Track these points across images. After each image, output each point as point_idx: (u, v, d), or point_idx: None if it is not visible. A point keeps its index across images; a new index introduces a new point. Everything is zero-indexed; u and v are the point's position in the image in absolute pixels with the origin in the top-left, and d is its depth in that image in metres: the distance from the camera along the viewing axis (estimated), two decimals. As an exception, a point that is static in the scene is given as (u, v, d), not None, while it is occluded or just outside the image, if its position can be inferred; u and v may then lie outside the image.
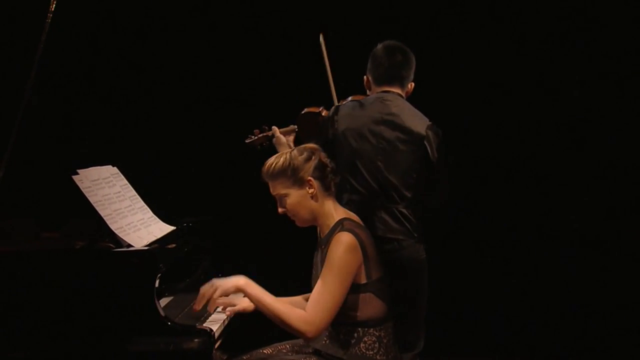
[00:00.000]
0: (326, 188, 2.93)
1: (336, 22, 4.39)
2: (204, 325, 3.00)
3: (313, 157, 2.91)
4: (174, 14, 4.65)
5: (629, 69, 4.39)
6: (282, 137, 3.66)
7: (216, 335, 2.95)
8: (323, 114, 3.61)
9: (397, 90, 3.45)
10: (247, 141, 3.75)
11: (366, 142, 3.35)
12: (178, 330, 2.85)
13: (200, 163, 4.71)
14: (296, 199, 2.89)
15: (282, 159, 2.89)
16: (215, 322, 3.08)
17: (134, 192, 3.37)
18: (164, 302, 3.08)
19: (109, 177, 3.27)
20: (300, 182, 2.88)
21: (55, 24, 3.23)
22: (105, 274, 2.87)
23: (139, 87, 4.69)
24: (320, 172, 2.91)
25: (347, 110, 3.43)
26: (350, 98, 3.60)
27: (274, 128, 3.70)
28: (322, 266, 2.85)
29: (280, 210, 2.93)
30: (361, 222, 2.96)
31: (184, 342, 2.82)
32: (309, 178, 2.88)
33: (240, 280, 2.83)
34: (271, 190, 2.92)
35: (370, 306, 2.86)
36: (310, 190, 2.89)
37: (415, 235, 3.36)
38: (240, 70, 4.70)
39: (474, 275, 4.59)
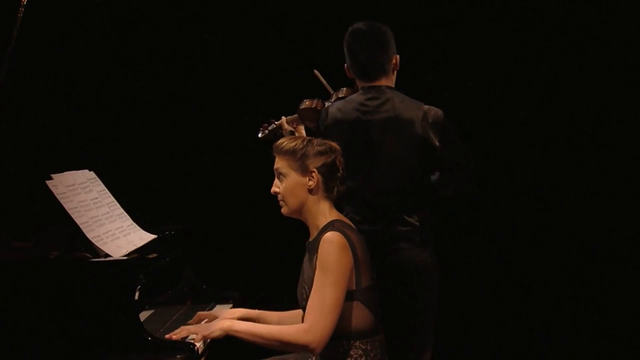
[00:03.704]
0: (327, 189, 2.89)
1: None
2: (187, 340, 2.88)
3: (328, 154, 2.88)
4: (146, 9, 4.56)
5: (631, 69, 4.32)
6: (289, 127, 3.63)
7: (200, 351, 2.85)
8: (318, 107, 3.54)
9: (382, 81, 3.27)
10: (260, 136, 3.76)
11: (358, 151, 3.18)
12: (159, 345, 2.77)
13: (183, 168, 4.62)
14: (292, 184, 2.86)
15: (298, 141, 2.89)
16: (199, 338, 2.97)
17: (112, 198, 3.28)
18: (144, 315, 3.02)
19: (86, 182, 3.19)
20: (303, 170, 2.86)
21: (27, 19, 3.16)
22: (81, 285, 2.79)
23: (116, 88, 4.60)
24: (328, 171, 2.88)
25: (334, 115, 3.29)
26: (340, 92, 3.50)
27: (282, 118, 3.66)
28: (310, 270, 2.80)
29: (273, 188, 2.92)
30: (354, 226, 2.90)
31: (165, 358, 2.75)
32: (313, 170, 2.86)
33: (224, 324, 2.81)
34: (275, 164, 2.92)
35: (357, 316, 2.80)
36: (310, 182, 2.86)
37: (417, 239, 3.19)
38: (221, 71, 4.62)
39: (479, 279, 4.48)
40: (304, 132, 3.65)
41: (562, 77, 4.36)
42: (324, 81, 3.68)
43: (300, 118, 3.63)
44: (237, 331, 2.78)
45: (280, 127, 3.67)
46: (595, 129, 4.34)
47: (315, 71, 3.67)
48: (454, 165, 3.18)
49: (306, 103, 3.59)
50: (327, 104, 3.47)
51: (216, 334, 2.79)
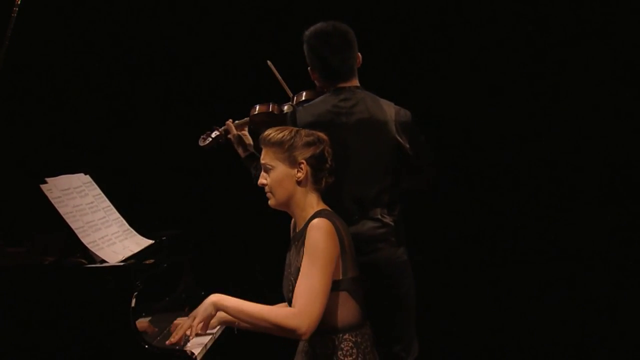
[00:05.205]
0: (316, 181, 2.89)
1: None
2: (185, 348, 2.86)
3: (317, 145, 2.88)
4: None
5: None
6: (237, 132, 3.57)
7: (198, 359, 2.82)
8: (275, 112, 3.48)
9: (353, 81, 3.27)
10: (201, 144, 3.65)
11: (333, 153, 3.11)
12: (156, 354, 2.74)
13: (181, 172, 4.58)
14: (280, 175, 2.85)
15: (286, 132, 2.87)
16: (197, 346, 2.94)
17: (108, 202, 3.24)
18: (141, 323, 2.96)
19: (81, 186, 3.15)
20: (291, 161, 2.85)
21: (20, 20, 3.14)
22: (76, 292, 2.76)
23: (112, 91, 4.58)
24: (317, 162, 2.87)
25: (305, 119, 3.22)
26: (302, 95, 3.45)
27: (228, 123, 3.59)
28: (297, 261, 2.80)
29: (260, 180, 2.91)
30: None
31: (162, 366, 2.73)
32: (302, 161, 2.85)
33: (212, 298, 2.80)
34: (262, 156, 2.91)
35: (345, 308, 2.80)
36: (298, 174, 2.85)
37: (393, 239, 3.21)
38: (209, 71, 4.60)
39: (469, 277, 4.52)
40: (248, 137, 3.57)
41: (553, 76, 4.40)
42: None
43: (253, 123, 3.53)
44: (226, 307, 2.76)
45: (224, 133, 3.58)
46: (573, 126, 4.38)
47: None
48: (421, 165, 3.26)
49: (260, 107, 3.50)
50: (285, 108, 3.44)
51: (209, 310, 2.77)
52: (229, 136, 3.57)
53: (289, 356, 2.99)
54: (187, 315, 3.21)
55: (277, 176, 2.84)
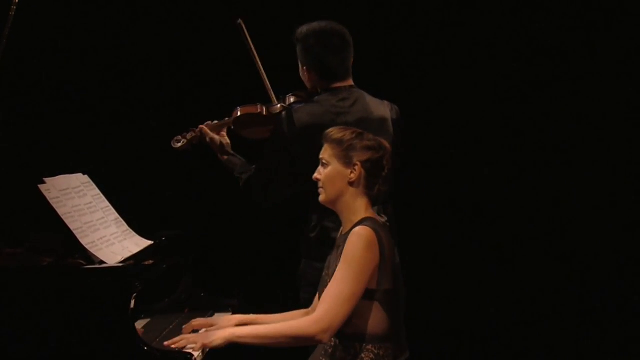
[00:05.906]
0: (368, 186, 2.87)
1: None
2: (184, 350, 2.82)
3: (376, 151, 2.87)
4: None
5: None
6: (211, 134, 3.51)
7: None
8: (264, 113, 3.43)
9: (347, 81, 3.28)
10: (175, 146, 3.60)
11: None
12: (155, 355, 2.71)
13: (181, 172, 4.55)
14: (333, 172, 2.86)
15: (348, 132, 2.87)
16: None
17: (107, 203, 3.24)
18: (140, 324, 2.96)
19: (80, 186, 3.14)
20: (346, 161, 2.84)
21: (18, 18, 3.15)
22: (74, 293, 2.74)
23: (111, 90, 4.57)
24: (372, 167, 2.86)
25: (303, 120, 3.19)
26: (292, 97, 3.41)
27: (202, 127, 3.53)
28: (336, 265, 2.79)
29: (315, 175, 2.92)
30: (387, 227, 2.92)
31: (162, 369, 2.71)
32: (357, 162, 2.85)
33: (225, 333, 2.77)
34: (321, 152, 2.91)
35: (374, 317, 2.78)
36: (351, 175, 2.84)
37: None
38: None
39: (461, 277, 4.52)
40: (226, 138, 3.53)
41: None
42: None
43: (238, 124, 3.47)
44: (240, 337, 2.75)
45: (199, 136, 3.53)
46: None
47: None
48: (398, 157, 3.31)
49: (247, 108, 3.44)
50: (277, 107, 3.40)
51: (217, 342, 2.74)
52: (206, 140, 3.50)
53: (290, 356, 2.98)
54: (186, 317, 3.23)
55: (331, 173, 2.85)
